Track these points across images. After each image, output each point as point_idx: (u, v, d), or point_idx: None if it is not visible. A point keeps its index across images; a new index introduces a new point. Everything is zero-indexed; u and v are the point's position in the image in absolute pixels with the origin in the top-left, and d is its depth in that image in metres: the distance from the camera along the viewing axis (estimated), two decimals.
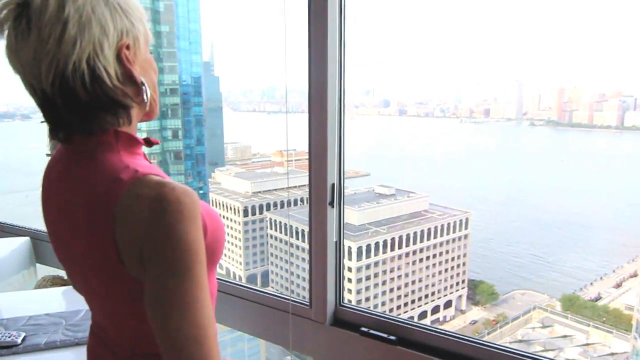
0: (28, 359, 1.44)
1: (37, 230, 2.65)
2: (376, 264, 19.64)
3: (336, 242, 1.66)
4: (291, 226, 19.87)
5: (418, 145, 29.42)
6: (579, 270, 20.42)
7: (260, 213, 22.47)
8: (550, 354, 17.14)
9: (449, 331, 1.50)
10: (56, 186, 0.85)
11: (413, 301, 20.89)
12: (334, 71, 1.53)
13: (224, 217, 23.03)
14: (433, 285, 21.09)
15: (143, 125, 20.68)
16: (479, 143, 28.15)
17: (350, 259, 19.02)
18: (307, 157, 1.59)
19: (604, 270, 20.18)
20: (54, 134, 0.83)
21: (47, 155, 2.06)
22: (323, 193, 1.59)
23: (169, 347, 0.72)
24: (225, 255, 23.72)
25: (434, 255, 20.75)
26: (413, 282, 20.69)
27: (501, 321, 19.78)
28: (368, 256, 19.40)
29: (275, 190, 22.25)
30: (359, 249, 19.12)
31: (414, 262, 20.46)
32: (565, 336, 17.94)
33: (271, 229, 22.30)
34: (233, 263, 23.50)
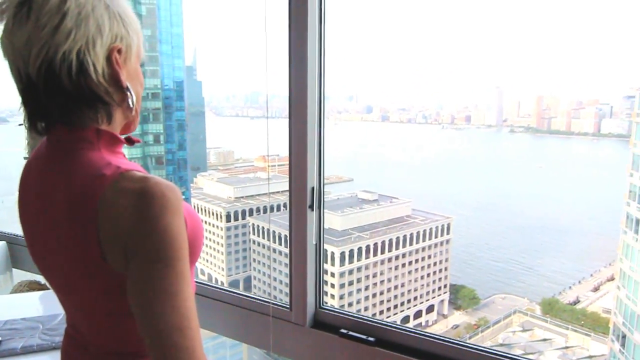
0: None
1: (13, 235, 2.61)
2: (359, 269, 19.67)
3: (316, 245, 1.67)
4: (274, 231, 19.81)
5: (400, 151, 29.63)
6: (558, 274, 20.74)
7: (243, 218, 22.33)
8: (530, 357, 17.35)
9: (425, 332, 1.53)
10: (36, 183, 0.85)
11: (396, 306, 20.96)
12: (314, 76, 1.56)
13: (206, 222, 22.82)
14: (415, 290, 21.20)
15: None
16: (460, 149, 28.47)
17: (333, 264, 19.01)
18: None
19: (582, 274, 20.53)
20: (33, 124, 0.83)
21: (25, 158, 2.04)
22: (303, 196, 1.61)
23: (153, 337, 0.72)
24: (207, 260, 23.49)
25: (416, 260, 20.87)
26: (396, 287, 20.77)
27: (482, 325, 19.95)
28: (351, 261, 19.43)
29: (258, 195, 22.16)
30: (342, 254, 19.14)
31: (396, 267, 20.54)
32: (545, 339, 18.17)
33: (254, 234, 22.18)
34: (215, 269, 23.29)
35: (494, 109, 27.15)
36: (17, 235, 2.58)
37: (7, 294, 2.24)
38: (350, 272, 19.50)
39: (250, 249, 22.60)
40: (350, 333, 1.60)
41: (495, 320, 19.78)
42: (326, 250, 18.83)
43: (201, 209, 22.82)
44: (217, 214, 22.45)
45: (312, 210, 1.62)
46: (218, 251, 22.85)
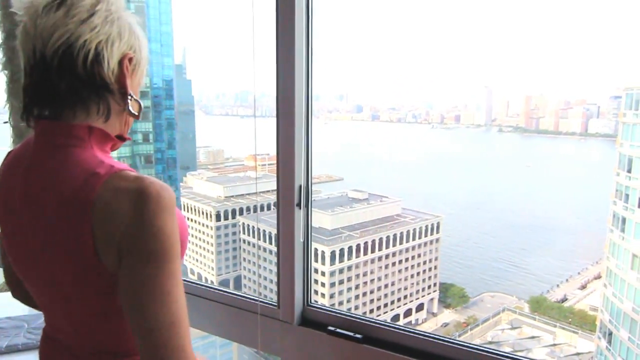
0: None
1: None
2: (349, 268, 19.70)
3: (304, 243, 1.67)
4: (264, 230, 19.77)
5: (391, 150, 29.73)
6: (546, 272, 20.95)
7: (233, 217, 22.26)
8: (518, 355, 17.47)
9: (413, 329, 1.54)
10: (21, 180, 0.84)
11: (386, 304, 21.04)
12: (301, 75, 1.56)
13: (196, 221, 22.71)
14: (405, 288, 21.30)
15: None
16: (450, 148, 28.64)
17: (323, 263, 19.03)
18: None
19: (569, 272, 20.76)
20: (30, 108, 0.83)
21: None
22: (290, 194, 1.61)
23: (144, 335, 0.74)
24: (197, 260, 23.39)
25: (406, 259, 20.96)
26: (386, 286, 20.84)
27: (472, 323, 20.10)
28: (341, 260, 19.46)
29: (248, 194, 22.10)
30: (332, 253, 19.15)
31: (386, 266, 20.62)
32: (533, 337, 18.35)
33: (244, 233, 22.12)
34: (205, 268, 23.19)
35: (483, 109, 27.36)
36: None
37: None
38: (341, 271, 19.53)
39: (240, 248, 22.54)
40: (338, 330, 1.61)
41: (484, 318, 19.94)
42: (316, 249, 18.86)
43: (191, 208, 22.70)
44: (207, 213, 22.35)
45: (300, 208, 1.62)
46: (208, 250, 22.76)
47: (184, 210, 22.68)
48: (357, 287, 20.03)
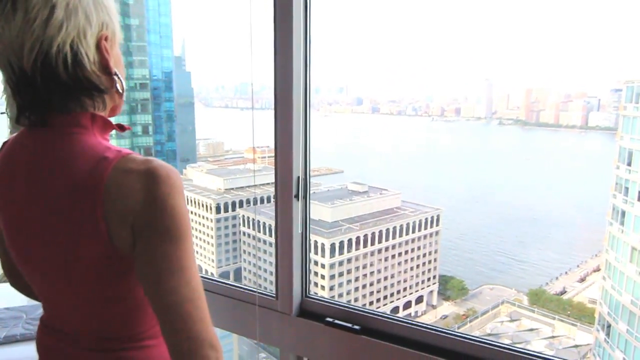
0: None
1: None
2: (349, 260, 19.75)
3: (302, 234, 1.68)
4: (263, 223, 19.79)
5: (391, 143, 29.69)
6: (545, 265, 21.00)
7: (233, 210, 22.28)
8: (517, 347, 17.57)
9: (410, 320, 1.55)
10: (24, 168, 0.84)
11: (385, 297, 21.11)
12: (299, 67, 1.56)
13: (196, 214, 22.74)
14: (405, 281, 21.35)
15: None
16: (450, 141, 28.60)
17: (323, 255, 19.07)
18: None
19: (568, 265, 20.80)
20: (22, 113, 0.83)
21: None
22: (289, 186, 1.61)
23: (166, 309, 0.76)
24: (197, 252, 23.42)
25: (406, 252, 21.00)
26: (385, 278, 20.90)
27: (471, 315, 20.17)
28: (341, 253, 19.50)
29: (248, 187, 22.10)
30: (332, 245, 19.19)
31: (386, 259, 20.66)
32: (532, 329, 18.42)
33: (244, 225, 22.15)
34: (205, 260, 23.25)
35: (484, 102, 27.28)
36: None
37: None
38: (340, 263, 19.58)
39: (240, 240, 22.58)
40: (336, 321, 1.62)
41: (484, 310, 20.01)
42: (316, 242, 18.90)
43: (191, 201, 22.71)
44: (206, 206, 22.36)
45: (298, 199, 1.63)
46: (208, 243, 22.79)
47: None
48: (356, 279, 20.09)
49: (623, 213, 12.08)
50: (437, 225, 21.36)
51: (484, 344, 1.43)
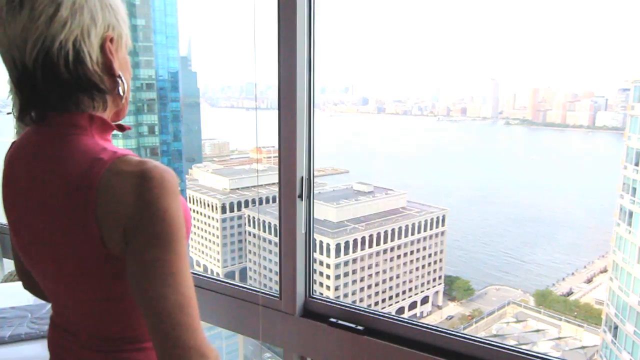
0: None
1: (4, 225, 2.59)
2: (354, 260, 19.74)
3: (305, 234, 1.67)
4: (269, 223, 19.81)
5: (396, 142, 29.66)
6: (552, 265, 20.89)
7: (239, 210, 22.34)
8: (524, 348, 17.50)
9: (414, 321, 1.54)
10: (25, 169, 0.84)
11: (391, 297, 21.09)
12: (303, 67, 1.55)
13: (201, 213, 22.81)
14: (410, 281, 21.32)
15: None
16: (456, 141, 28.53)
17: (328, 255, 19.07)
18: None
19: (575, 265, 20.69)
20: (24, 111, 0.83)
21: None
22: (292, 186, 1.61)
23: (155, 316, 0.74)
24: (202, 252, 23.51)
25: (412, 252, 20.96)
26: (391, 279, 20.88)
27: (477, 316, 20.11)
28: (346, 253, 19.50)
29: (254, 187, 22.14)
30: (338, 245, 19.19)
31: (391, 259, 20.63)
32: (538, 330, 18.34)
33: (249, 225, 22.19)
34: (211, 260, 23.32)
35: (490, 101, 27.20)
36: (6, 225, 2.55)
37: None
38: (346, 263, 19.58)
39: (245, 240, 22.63)
40: (340, 322, 1.61)
41: (490, 311, 19.95)
42: (322, 242, 18.90)
43: (196, 201, 22.78)
44: (212, 206, 22.43)
45: (302, 200, 1.62)
46: (214, 242, 22.87)
47: (190, 202, 22.77)
48: (362, 279, 20.08)
49: (630, 214, 11.99)
50: (442, 225, 21.31)
51: (489, 346, 1.42)
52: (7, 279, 2.18)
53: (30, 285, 1.05)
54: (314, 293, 1.73)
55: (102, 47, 0.83)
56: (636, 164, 11.78)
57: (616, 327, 12.96)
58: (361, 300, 20.18)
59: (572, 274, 20.54)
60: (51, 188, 0.80)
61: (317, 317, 1.67)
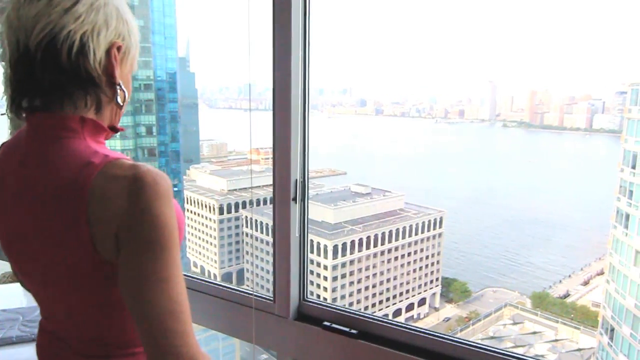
0: None
1: None
2: (352, 262, 19.73)
3: (300, 237, 1.67)
4: (266, 224, 19.78)
5: (394, 144, 29.67)
6: (549, 268, 20.92)
7: (236, 211, 22.30)
8: (520, 350, 17.53)
9: (408, 324, 1.54)
10: (15, 172, 0.84)
11: (388, 299, 21.07)
12: (297, 70, 1.55)
13: (199, 215, 22.77)
14: (407, 283, 21.31)
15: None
16: (454, 143, 28.57)
17: (326, 257, 19.06)
18: None
19: (572, 268, 20.72)
20: (14, 100, 0.82)
21: None
22: (286, 189, 1.61)
23: (146, 323, 0.74)
24: (200, 253, 23.47)
25: (409, 254, 20.96)
26: (388, 280, 20.86)
27: (474, 318, 20.13)
28: (344, 255, 19.48)
29: (252, 188, 22.10)
30: (335, 247, 19.17)
31: (389, 261, 20.62)
32: (535, 332, 18.35)
33: (247, 226, 22.16)
34: (208, 261, 23.28)
35: (488, 104, 27.24)
36: None
37: None
38: (343, 265, 19.56)
39: (243, 241, 22.59)
40: (333, 325, 1.61)
41: (487, 313, 19.96)
42: (319, 243, 18.89)
43: (194, 202, 22.75)
44: (210, 207, 22.39)
45: (296, 202, 1.62)
46: (211, 244, 22.82)
47: (187, 203, 22.75)
48: (359, 281, 20.07)
49: (627, 216, 12.02)
50: (440, 227, 21.32)
51: (483, 350, 1.42)
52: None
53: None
54: (309, 296, 1.73)
55: (108, 51, 0.83)
56: (633, 167, 11.82)
57: (613, 330, 12.98)
58: (358, 301, 20.16)
59: (569, 276, 20.58)
60: (41, 193, 0.79)
61: (311, 321, 1.67)
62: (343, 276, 19.59)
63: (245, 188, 22.31)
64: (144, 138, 20.81)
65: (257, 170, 22.50)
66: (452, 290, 21.96)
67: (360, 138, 30.73)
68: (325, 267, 19.12)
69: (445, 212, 21.52)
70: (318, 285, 19.18)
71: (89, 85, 0.82)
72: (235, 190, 22.32)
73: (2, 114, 0.90)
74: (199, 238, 23.08)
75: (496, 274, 21.71)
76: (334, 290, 19.46)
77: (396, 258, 20.78)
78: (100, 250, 0.76)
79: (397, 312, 20.93)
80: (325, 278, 19.16)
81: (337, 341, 1.59)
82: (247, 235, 22.23)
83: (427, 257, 21.40)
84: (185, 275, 1.89)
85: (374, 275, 20.36)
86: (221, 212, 22.11)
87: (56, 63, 0.79)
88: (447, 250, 21.91)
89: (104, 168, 0.76)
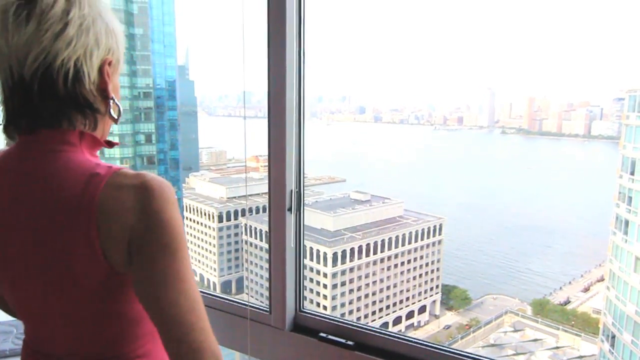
0: None
1: None
2: (351, 269, 19.67)
3: (296, 248, 1.66)
4: (266, 232, 19.74)
5: (393, 151, 29.70)
6: (549, 275, 20.87)
7: (236, 219, 22.27)
8: (521, 358, 17.47)
9: (404, 336, 1.53)
10: (10, 187, 0.83)
11: (388, 306, 20.98)
12: (292, 80, 1.55)
13: (198, 222, 22.73)
14: (407, 290, 21.24)
15: (115, 128, 20.30)
16: (453, 150, 28.60)
17: (325, 264, 19.01)
18: None
19: (572, 275, 20.67)
20: (11, 123, 0.82)
21: None
22: (282, 199, 1.60)
23: (168, 321, 0.77)
24: (199, 261, 23.40)
25: (409, 261, 20.90)
26: (388, 288, 20.79)
27: (474, 326, 20.04)
28: (343, 262, 19.43)
29: (251, 195, 22.07)
30: (335, 254, 19.13)
31: (388, 268, 20.56)
32: (535, 340, 18.27)
33: (246, 234, 22.10)
34: (207, 269, 23.20)
35: (486, 110, 27.30)
36: None
37: None
38: (343, 272, 19.50)
39: (242, 249, 22.54)
40: (330, 337, 1.60)
41: (487, 320, 19.87)
42: (318, 251, 18.85)
43: (193, 209, 22.71)
44: (209, 214, 22.36)
45: (291, 213, 1.61)
46: (210, 252, 22.76)
47: (187, 211, 22.73)
48: (359, 288, 20.00)
49: (627, 222, 12.01)
50: (439, 234, 21.28)
51: None
52: None
53: (6, 308, 1.04)
54: (305, 307, 1.72)
55: (101, 69, 0.85)
56: (632, 173, 11.82)
57: (614, 337, 12.93)
58: (358, 309, 20.08)
59: (569, 282, 20.53)
60: (44, 208, 0.79)
61: (307, 332, 1.66)
62: (343, 284, 19.53)
63: (244, 195, 22.30)
64: (143, 146, 20.82)
65: (256, 178, 22.48)
66: (452, 297, 21.88)
67: (359, 145, 30.76)
68: (325, 275, 19.06)
69: (444, 219, 21.49)
70: (318, 293, 19.12)
71: (86, 109, 0.84)
72: (235, 197, 22.30)
73: None
74: (198, 246, 23.03)
75: (496, 280, 21.66)
76: (333, 298, 19.39)
77: (396, 265, 20.73)
78: (110, 260, 0.77)
79: (397, 320, 20.84)
80: (325, 286, 19.09)
81: (333, 353, 1.58)
82: (246, 243, 22.18)
83: (427, 264, 21.34)
84: None
85: (374, 282, 20.29)
86: (220, 220, 22.08)
87: (53, 92, 0.80)
88: (446, 257, 21.86)
89: (110, 179, 0.77)
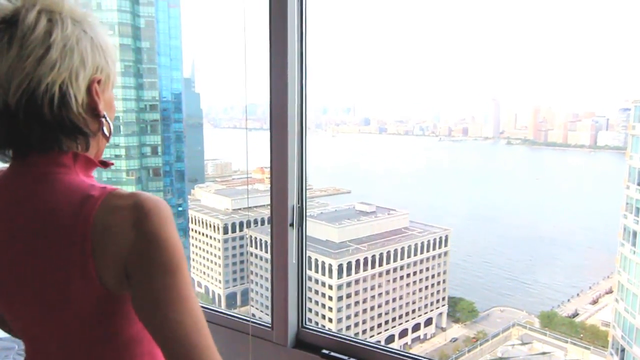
0: None
1: None
2: (357, 281, 19.55)
3: (298, 263, 1.65)
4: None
5: (398, 162, 29.68)
6: (556, 287, 20.66)
7: (241, 230, 22.25)
8: None
9: (406, 352, 1.51)
10: (5, 212, 0.82)
11: (394, 319, 20.80)
12: (294, 91, 1.55)
13: (203, 234, 22.74)
14: (414, 302, 21.05)
15: (121, 141, 20.42)
16: (458, 161, 28.54)
17: (330, 276, 18.91)
18: None
19: (580, 287, 20.45)
20: (2, 151, 0.82)
21: None
22: (284, 214, 1.60)
23: (172, 341, 0.75)
24: (204, 273, 23.36)
25: (415, 273, 20.75)
26: (394, 300, 20.62)
27: (481, 338, 19.81)
28: (349, 274, 19.32)
29: (256, 207, 22.08)
30: (340, 266, 19.03)
31: (394, 280, 20.42)
32: (544, 353, 18.03)
33: (251, 246, 22.07)
34: (212, 281, 23.14)
35: (491, 121, 27.27)
36: None
37: None
38: (348, 284, 19.38)
39: (247, 261, 22.49)
40: (332, 354, 1.58)
41: (494, 333, 19.63)
42: (323, 263, 18.76)
43: (199, 221, 22.73)
44: (214, 226, 22.36)
45: (294, 228, 1.61)
46: (215, 263, 22.72)
47: (192, 222, 22.76)
48: (364, 300, 19.85)
49: (635, 234, 11.89)
50: (445, 245, 21.14)
51: None
52: None
53: (7, 328, 1.03)
54: (309, 320, 1.71)
55: (89, 89, 0.82)
56: (639, 184, 11.74)
57: (623, 350, 12.75)
58: (364, 322, 19.92)
59: (577, 295, 20.29)
60: (39, 230, 0.78)
61: (310, 348, 1.64)
62: (348, 296, 19.40)
63: (249, 207, 22.29)
64: (149, 158, 20.94)
65: (262, 190, 22.52)
66: (458, 309, 21.66)
67: (364, 156, 30.76)
68: (330, 287, 18.95)
69: (450, 230, 21.37)
70: (323, 305, 18.99)
71: (76, 133, 0.82)
72: (240, 209, 22.31)
73: None
74: (204, 258, 23.01)
75: (503, 293, 21.45)
76: (338, 310, 19.26)
77: (402, 277, 20.58)
78: (105, 282, 0.76)
79: (404, 333, 20.64)
80: (330, 298, 18.97)
81: None
82: (251, 254, 22.14)
83: (433, 276, 21.17)
84: None
85: (379, 294, 20.14)
86: (225, 232, 22.06)
87: (39, 118, 0.78)
88: (452, 269, 21.70)
89: (104, 200, 0.76)
